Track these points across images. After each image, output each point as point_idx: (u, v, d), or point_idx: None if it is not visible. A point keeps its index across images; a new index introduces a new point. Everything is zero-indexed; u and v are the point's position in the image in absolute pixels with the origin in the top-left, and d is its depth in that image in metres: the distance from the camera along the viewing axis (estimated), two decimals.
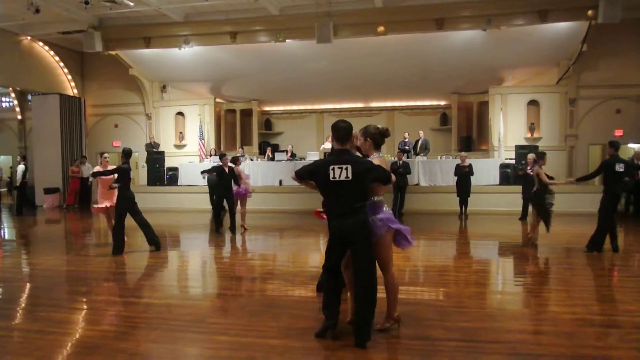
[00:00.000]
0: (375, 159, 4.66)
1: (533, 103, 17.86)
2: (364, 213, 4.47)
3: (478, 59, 17.00)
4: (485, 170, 15.69)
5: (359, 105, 21.45)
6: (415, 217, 14.22)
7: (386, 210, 4.68)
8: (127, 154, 9.39)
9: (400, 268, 7.89)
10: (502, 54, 16.88)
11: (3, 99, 23.32)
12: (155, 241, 9.39)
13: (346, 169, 4.36)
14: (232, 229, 11.47)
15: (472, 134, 19.67)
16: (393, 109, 21.15)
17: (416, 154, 16.97)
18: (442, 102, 20.60)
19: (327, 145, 16.98)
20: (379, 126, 4.83)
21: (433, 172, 16.03)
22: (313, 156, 17.05)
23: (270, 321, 5.16)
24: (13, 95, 21.85)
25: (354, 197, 4.43)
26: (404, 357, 4.24)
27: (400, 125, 20.25)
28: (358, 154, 4.79)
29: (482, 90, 18.83)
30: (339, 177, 4.37)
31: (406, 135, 17.10)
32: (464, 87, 19.28)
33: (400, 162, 14.44)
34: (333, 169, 4.38)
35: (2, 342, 4.90)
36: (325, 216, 4.99)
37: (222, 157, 11.82)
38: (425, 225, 12.88)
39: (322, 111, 21.82)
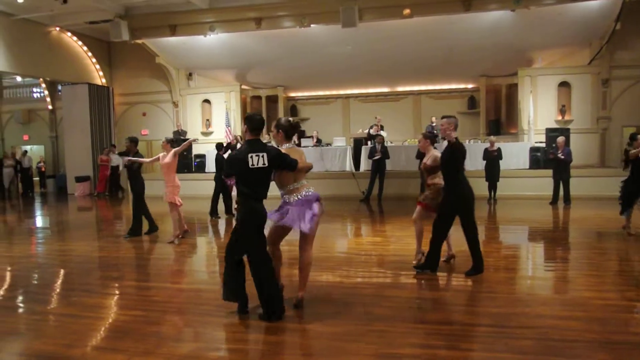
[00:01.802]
0: (283, 148, 5.03)
1: (564, 85, 17.44)
2: None
3: (506, 41, 16.63)
4: (515, 154, 15.41)
5: (385, 89, 21.26)
6: None
7: (287, 199, 5.08)
8: (134, 141, 9.87)
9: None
10: (532, 35, 16.47)
11: (34, 89, 23.79)
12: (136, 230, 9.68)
13: (262, 156, 4.75)
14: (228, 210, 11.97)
15: (500, 117, 19.33)
16: (419, 93, 20.90)
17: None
18: (470, 85, 20.27)
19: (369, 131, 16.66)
20: (290, 119, 5.21)
21: None
22: (339, 142, 17.01)
23: None
24: (44, 85, 22.30)
25: (269, 182, 4.89)
26: (434, 342, 4.21)
27: (427, 110, 20.04)
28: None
29: (511, 73, 18.46)
30: (257, 164, 4.74)
31: (433, 119, 16.87)
32: (492, 70, 18.92)
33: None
34: (251, 157, 4.73)
35: (39, 325, 5.03)
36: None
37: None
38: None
39: (348, 96, 21.71)
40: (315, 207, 5.10)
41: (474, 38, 16.54)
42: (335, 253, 8.26)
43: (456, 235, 6.83)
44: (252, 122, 4.88)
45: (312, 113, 22.25)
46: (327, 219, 11.66)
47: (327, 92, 21.90)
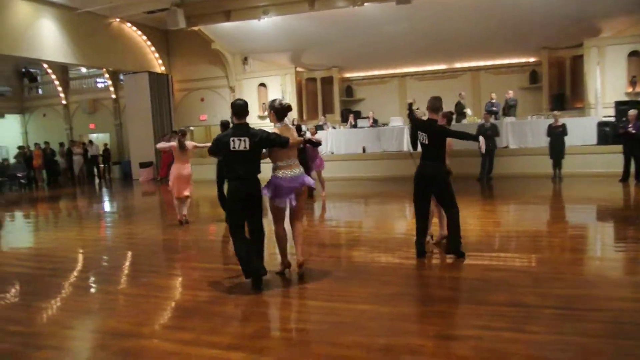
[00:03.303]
0: (275, 128, 5.45)
1: (634, 54, 16.43)
2: (257, 178, 5.36)
3: (570, 10, 15.80)
4: (581, 130, 14.72)
5: (442, 67, 20.75)
6: (504, 180, 13.70)
7: (280, 175, 5.44)
8: (224, 125, 9.86)
9: (489, 234, 7.69)
10: (598, 3, 15.58)
11: (98, 79, 24.72)
12: None
13: (244, 140, 5.17)
14: None
15: (565, 91, 18.48)
16: (478, 69, 20.28)
17: (504, 115, 16.23)
18: (531, 59, 19.46)
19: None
20: (282, 101, 5.57)
21: (523, 133, 15.25)
22: (396, 122, 16.80)
23: (358, 287, 5.19)
24: (107, 75, 23.13)
25: (252, 164, 5.27)
26: (497, 324, 4.13)
27: (486, 86, 19.42)
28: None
29: (575, 44, 17.59)
30: (238, 147, 5.17)
31: (493, 95, 16.35)
32: (555, 42, 18.08)
33: (488, 124, 13.89)
34: (234, 141, 5.17)
35: (111, 305, 5.28)
36: None
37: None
38: (516, 189, 12.39)
39: (404, 75, 21.34)
40: (301, 184, 5.52)
41: (535, 9, 15.82)
42: (394, 234, 8.22)
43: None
44: (234, 107, 5.35)
45: (367, 93, 22.04)
46: (385, 200, 11.62)
47: (383, 72, 21.60)
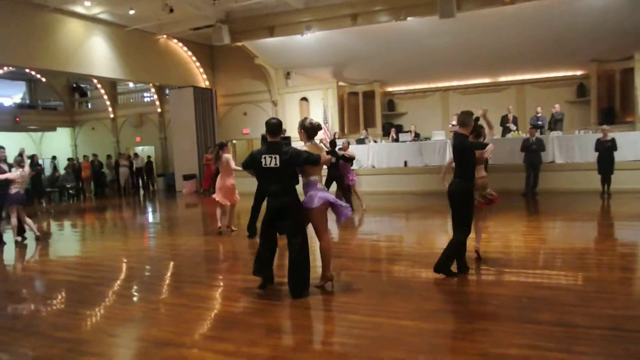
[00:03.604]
0: (305, 146, 5.61)
1: None
2: (293, 192, 5.50)
3: (620, 22, 15.35)
4: (631, 145, 14.16)
5: (486, 80, 20.46)
6: (550, 196, 13.33)
7: (320, 187, 5.56)
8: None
9: (535, 250, 7.49)
10: None
11: (145, 94, 25.44)
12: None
13: (275, 158, 5.40)
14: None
15: (614, 105, 17.92)
16: (523, 82, 19.90)
17: (550, 129, 15.84)
18: (579, 72, 18.99)
19: (454, 122, 16.46)
20: (312, 121, 5.76)
21: (570, 147, 14.82)
22: (438, 135, 16.63)
23: (400, 302, 5.13)
24: (153, 90, 23.77)
25: (283, 180, 5.44)
26: (543, 343, 3.99)
27: (531, 99, 19.02)
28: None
29: (625, 56, 17.08)
30: (269, 165, 5.43)
31: (538, 109, 15.97)
32: (604, 54, 17.59)
33: (534, 138, 13.59)
34: (265, 158, 5.43)
35: (153, 314, 5.37)
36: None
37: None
38: (562, 205, 12.04)
39: (447, 89, 21.14)
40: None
41: (583, 22, 15.46)
42: (435, 249, 8.07)
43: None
44: (268, 126, 5.60)
45: (409, 107, 21.92)
46: (426, 215, 11.48)
47: (425, 86, 21.46)
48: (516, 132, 15.99)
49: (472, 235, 6.76)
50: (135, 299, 6.12)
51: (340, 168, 11.51)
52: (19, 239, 10.33)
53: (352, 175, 12.09)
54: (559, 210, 11.38)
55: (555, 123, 15.95)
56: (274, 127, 5.57)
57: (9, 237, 10.34)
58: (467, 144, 5.95)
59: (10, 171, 10.04)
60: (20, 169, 9.94)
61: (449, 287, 5.68)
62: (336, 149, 11.68)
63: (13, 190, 9.88)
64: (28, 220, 10.40)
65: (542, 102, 17.21)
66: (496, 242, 8.05)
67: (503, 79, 20.17)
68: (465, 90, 20.71)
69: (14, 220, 10.11)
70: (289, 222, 5.48)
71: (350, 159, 11.86)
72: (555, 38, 16.45)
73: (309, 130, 5.67)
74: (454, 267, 5.98)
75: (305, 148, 5.58)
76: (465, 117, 5.98)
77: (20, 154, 10.20)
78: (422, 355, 3.84)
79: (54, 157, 23.75)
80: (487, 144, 6.11)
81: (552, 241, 8.32)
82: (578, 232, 9.23)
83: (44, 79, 25.42)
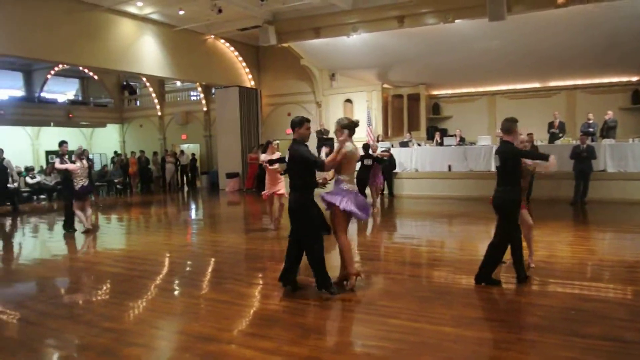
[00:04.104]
0: (344, 145, 5.57)
1: None
2: (297, 193, 5.56)
3: None
4: None
5: (535, 85, 19.95)
6: (600, 206, 12.87)
7: (346, 187, 5.64)
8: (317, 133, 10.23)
9: (582, 261, 7.24)
10: None
11: (192, 93, 25.91)
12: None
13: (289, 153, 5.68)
14: None
15: None
16: (574, 87, 19.29)
17: (602, 137, 15.30)
18: (634, 78, 18.29)
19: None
20: (351, 118, 5.94)
21: (623, 156, 14.25)
22: (484, 140, 16.32)
23: (441, 308, 5.04)
24: (200, 89, 24.19)
25: (293, 177, 5.66)
26: (591, 357, 3.85)
27: (582, 106, 18.41)
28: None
29: None
30: (287, 160, 5.75)
31: (590, 116, 15.43)
32: None
33: (584, 145, 13.17)
34: (288, 153, 5.72)
35: (194, 309, 5.45)
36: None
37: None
38: (612, 216, 11.62)
39: (494, 93, 20.71)
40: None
41: (638, 25, 14.86)
42: (478, 256, 7.89)
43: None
44: (291, 123, 5.73)
45: (455, 111, 21.58)
46: (470, 221, 11.28)
47: (472, 89, 21.09)
48: (565, 138, 15.52)
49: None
50: (177, 293, 6.23)
51: (374, 170, 12.02)
52: (77, 230, 10.75)
53: (380, 178, 12.91)
54: (609, 221, 10.98)
55: (608, 130, 15.39)
56: (294, 123, 5.70)
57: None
58: (519, 151, 5.83)
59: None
60: (80, 162, 10.40)
61: (492, 296, 5.54)
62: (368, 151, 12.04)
63: (78, 184, 10.35)
64: (88, 212, 10.83)
65: (594, 108, 16.62)
66: (542, 252, 7.80)
67: (553, 83, 19.62)
68: (514, 95, 20.24)
69: (79, 213, 10.56)
70: (294, 224, 5.68)
71: (382, 160, 12.44)
72: (608, 42, 15.89)
73: (348, 126, 5.69)
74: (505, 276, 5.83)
75: (347, 145, 5.59)
76: (509, 124, 5.80)
77: (80, 148, 11.00)
78: None
79: (116, 153, 24.60)
80: (545, 155, 5.87)
81: (601, 252, 8.03)
82: (629, 244, 8.87)
83: (96, 77, 26.25)
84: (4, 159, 14.55)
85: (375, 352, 4.22)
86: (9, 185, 14.76)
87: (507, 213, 5.78)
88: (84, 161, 10.57)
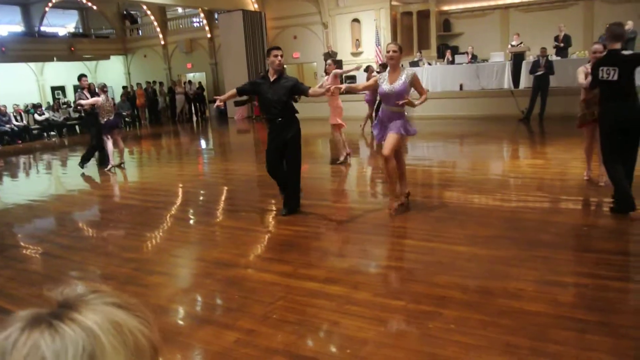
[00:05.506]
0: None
1: None
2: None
3: None
4: None
5: None
6: None
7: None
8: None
9: (597, 178, 7.19)
10: None
11: (194, 19, 25.26)
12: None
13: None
14: None
15: None
16: None
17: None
18: None
19: (514, 42, 15.72)
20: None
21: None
22: (497, 57, 15.91)
23: (455, 228, 5.09)
24: (202, 15, 23.54)
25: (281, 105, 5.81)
26: (603, 272, 3.87)
27: (600, 17, 17.71)
28: None
29: None
30: None
31: (629, 23, 14.49)
32: None
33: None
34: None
35: (213, 236, 5.57)
36: None
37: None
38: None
39: (507, 6, 19.88)
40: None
41: None
42: (491, 175, 7.93)
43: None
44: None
45: (466, 27, 20.87)
46: (482, 140, 11.18)
47: (484, 3, 20.24)
48: (581, 52, 15.06)
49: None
50: (193, 222, 6.34)
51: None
52: (114, 166, 10.39)
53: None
54: None
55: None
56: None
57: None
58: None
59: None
60: (104, 94, 10.00)
61: (506, 214, 5.57)
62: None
63: (105, 118, 9.99)
64: (120, 146, 10.58)
65: (612, 19, 15.93)
66: (555, 169, 7.80)
67: None
68: (528, 8, 19.44)
69: (110, 146, 10.21)
70: (288, 149, 5.92)
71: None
72: None
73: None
74: None
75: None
76: (622, 30, 5.19)
77: (101, 83, 10.71)
78: (477, 281, 3.84)
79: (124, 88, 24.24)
80: None
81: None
82: None
83: (95, 7, 25.55)
84: None
85: (391, 272, 4.32)
86: None
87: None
88: (108, 94, 10.24)
